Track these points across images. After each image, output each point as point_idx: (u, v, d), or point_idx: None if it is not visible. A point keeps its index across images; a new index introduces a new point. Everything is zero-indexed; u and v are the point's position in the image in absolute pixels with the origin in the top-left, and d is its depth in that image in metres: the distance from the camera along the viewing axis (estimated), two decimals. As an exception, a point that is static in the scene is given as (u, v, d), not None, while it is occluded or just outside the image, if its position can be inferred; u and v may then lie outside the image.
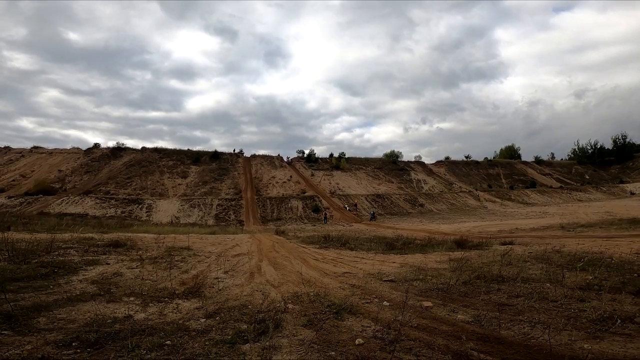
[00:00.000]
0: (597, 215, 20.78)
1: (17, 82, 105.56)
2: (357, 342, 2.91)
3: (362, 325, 3.39)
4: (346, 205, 35.05)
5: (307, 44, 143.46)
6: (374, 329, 3.22)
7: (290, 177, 41.36)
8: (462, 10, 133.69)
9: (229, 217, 31.00)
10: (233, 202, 33.85)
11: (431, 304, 3.92)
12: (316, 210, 33.07)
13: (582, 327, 3.14)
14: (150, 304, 4.16)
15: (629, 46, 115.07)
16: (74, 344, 2.79)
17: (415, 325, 3.31)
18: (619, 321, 3.17)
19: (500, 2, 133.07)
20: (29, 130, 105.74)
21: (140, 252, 8.42)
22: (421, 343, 2.88)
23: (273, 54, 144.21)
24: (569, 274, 5.09)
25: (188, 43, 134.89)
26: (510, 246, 9.00)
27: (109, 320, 3.40)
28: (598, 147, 59.60)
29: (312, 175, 43.30)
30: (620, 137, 58.46)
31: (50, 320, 3.36)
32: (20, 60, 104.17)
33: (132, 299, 4.34)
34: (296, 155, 49.41)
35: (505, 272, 5.30)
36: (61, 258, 6.67)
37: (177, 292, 4.78)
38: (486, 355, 2.65)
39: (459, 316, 3.56)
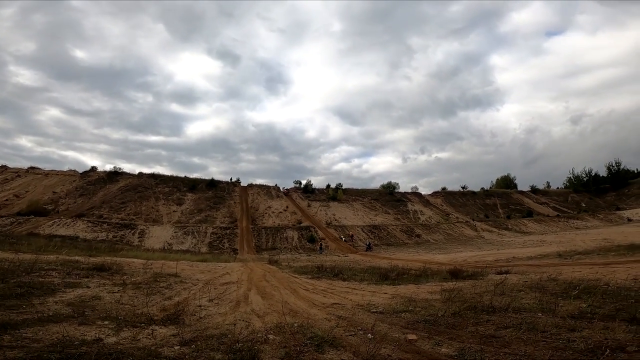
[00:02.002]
0: (595, 242, 20.58)
1: (20, 99, 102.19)
2: (332, 375, 2.76)
3: (342, 359, 3.24)
4: (342, 236, 34.63)
5: (308, 71, 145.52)
6: (353, 363, 3.07)
7: (287, 207, 41.20)
8: (459, 37, 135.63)
9: (223, 246, 30.45)
10: (228, 231, 33.40)
11: (416, 337, 3.76)
12: (312, 240, 32.61)
13: (569, 358, 3.01)
14: (125, 329, 4.00)
15: (621, 69, 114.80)
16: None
17: (396, 359, 3.16)
18: (607, 351, 3.04)
19: (495, 27, 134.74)
20: (27, 149, 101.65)
21: (125, 277, 8.20)
22: (400, 377, 2.73)
23: (274, 79, 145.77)
24: (563, 302, 4.97)
25: (190, 66, 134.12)
26: (506, 275, 8.85)
27: (76, 342, 3.27)
28: (593, 175, 60.01)
29: (309, 206, 43.16)
30: (614, 164, 59.08)
31: (14, 339, 3.25)
32: (25, 76, 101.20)
33: (106, 322, 4.18)
34: (293, 186, 49.54)
35: (497, 302, 5.16)
36: (41, 279, 6.51)
37: (155, 318, 4.59)
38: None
39: (442, 349, 3.41)
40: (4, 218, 30.43)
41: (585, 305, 4.64)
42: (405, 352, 3.36)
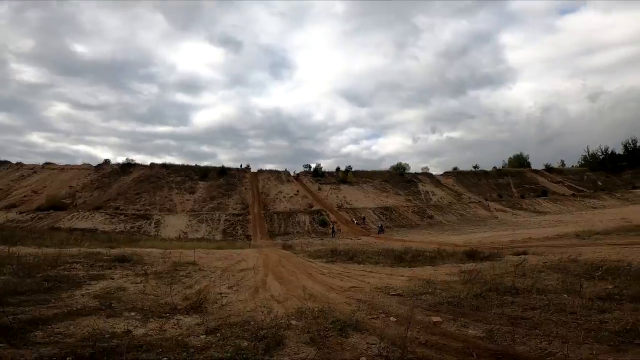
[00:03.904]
0: (613, 222, 20.14)
1: (27, 96, 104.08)
2: (361, 360, 2.77)
3: (367, 343, 3.24)
4: (354, 219, 34.71)
5: (312, 54, 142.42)
6: (380, 347, 3.06)
7: (297, 191, 41.34)
8: (467, 15, 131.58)
9: (237, 232, 30.95)
10: (240, 217, 33.85)
11: (440, 319, 3.74)
12: (324, 224, 32.80)
13: (603, 339, 2.94)
14: (151, 320, 4.08)
15: (638, 47, 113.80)
16: (68, 358, 2.72)
17: (424, 341, 3.14)
18: (643, 333, 2.93)
19: (505, 5, 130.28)
20: (39, 145, 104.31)
21: (146, 267, 8.37)
22: (429, 361, 2.71)
23: (278, 65, 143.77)
24: (587, 283, 4.87)
25: (193, 55, 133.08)
26: (524, 256, 8.73)
27: (107, 335, 3.33)
28: (609, 152, 58.32)
29: (319, 189, 43.21)
30: (630, 142, 57.41)
31: (47, 334, 3.31)
32: (28, 73, 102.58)
33: (133, 314, 4.27)
34: (303, 170, 49.53)
35: (519, 283, 5.09)
36: (66, 272, 6.66)
37: (179, 307, 4.68)
38: (500, 374, 2.47)
39: (470, 331, 3.38)
40: (24, 214, 31.49)
41: (611, 287, 4.55)
42: (432, 334, 3.34)
